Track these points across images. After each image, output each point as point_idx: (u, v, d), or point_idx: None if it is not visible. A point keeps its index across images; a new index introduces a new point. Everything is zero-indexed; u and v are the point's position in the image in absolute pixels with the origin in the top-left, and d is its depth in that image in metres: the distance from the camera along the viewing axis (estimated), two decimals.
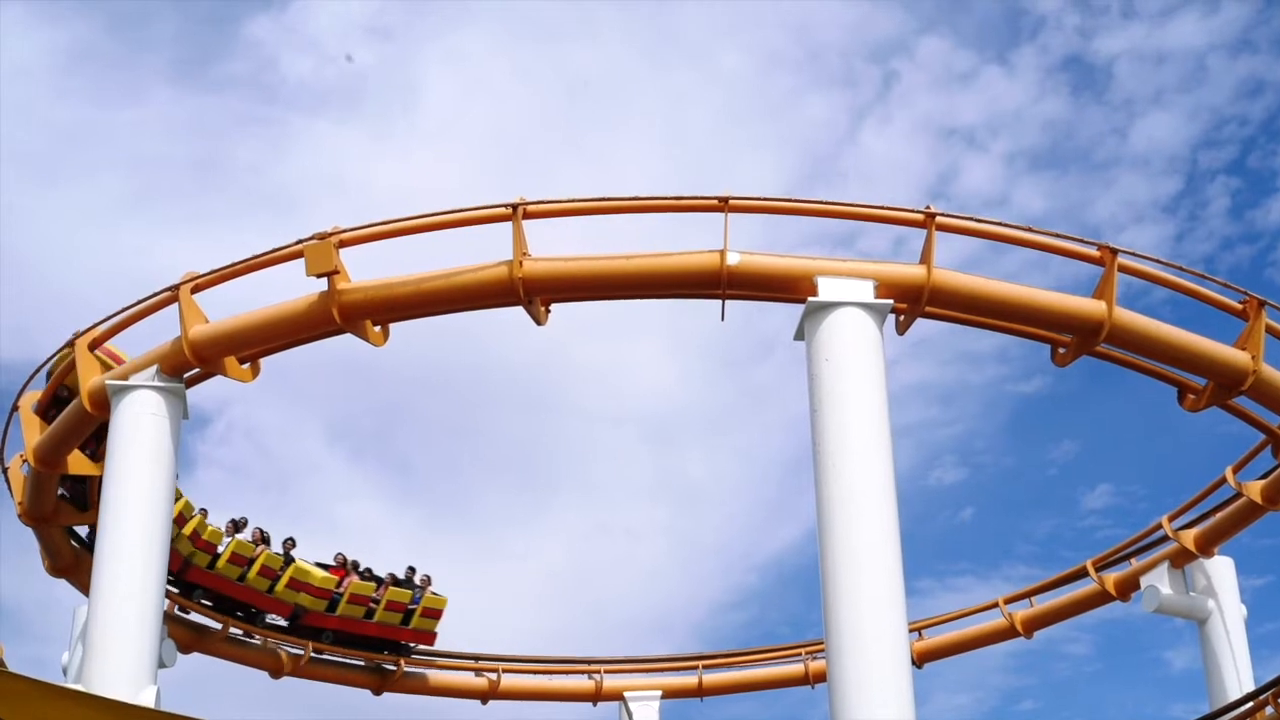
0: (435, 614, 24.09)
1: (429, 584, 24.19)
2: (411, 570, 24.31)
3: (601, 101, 53.13)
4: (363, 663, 24.66)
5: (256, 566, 22.14)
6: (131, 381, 17.01)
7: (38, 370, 19.04)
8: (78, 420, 17.88)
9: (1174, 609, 21.98)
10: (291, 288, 16.75)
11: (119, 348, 18.23)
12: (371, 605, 23.60)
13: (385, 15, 54.29)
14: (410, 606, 23.84)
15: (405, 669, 24.86)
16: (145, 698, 15.47)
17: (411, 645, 24.50)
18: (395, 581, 23.91)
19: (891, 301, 15.91)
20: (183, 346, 16.77)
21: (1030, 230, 16.88)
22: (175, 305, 17.05)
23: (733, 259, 15.91)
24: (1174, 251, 49.31)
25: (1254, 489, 20.35)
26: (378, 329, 16.82)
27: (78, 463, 18.85)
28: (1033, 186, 53.31)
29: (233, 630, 23.05)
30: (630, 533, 52.90)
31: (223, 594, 22.10)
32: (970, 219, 16.84)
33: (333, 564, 23.54)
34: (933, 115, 54.48)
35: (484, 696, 25.75)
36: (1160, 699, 49.97)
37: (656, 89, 53.78)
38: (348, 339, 16.88)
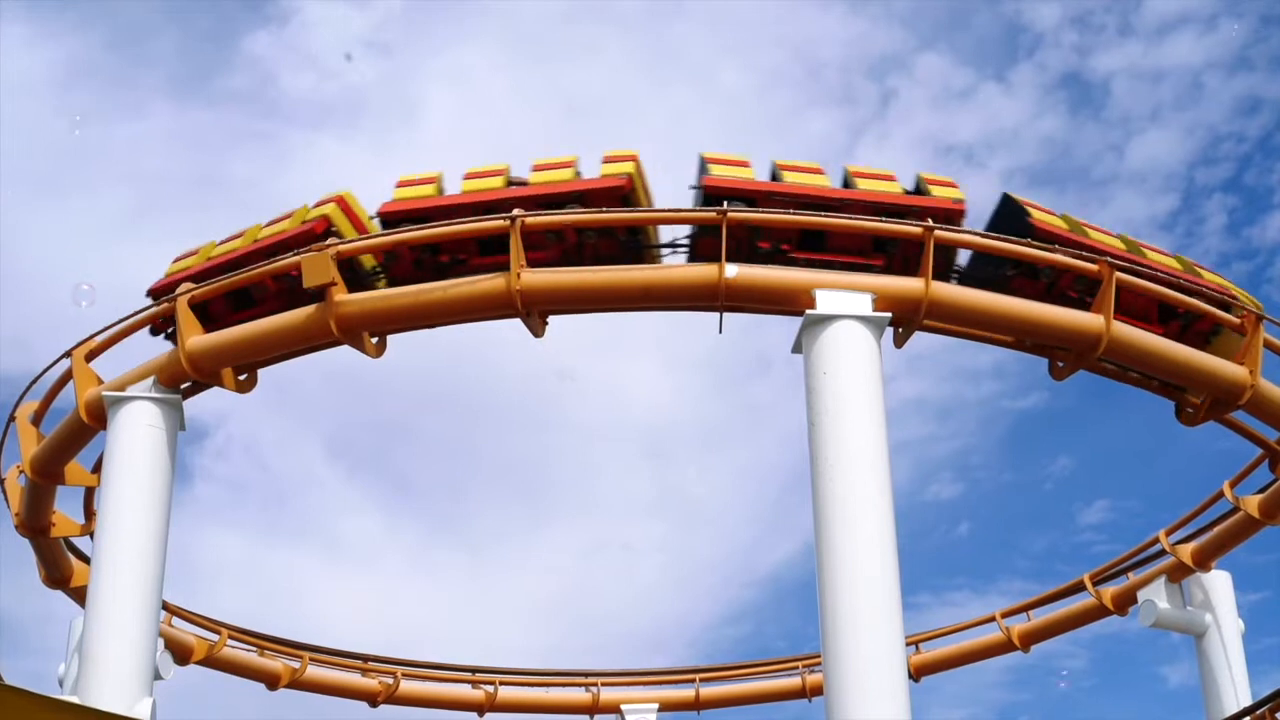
0: None
1: None
2: None
3: (601, 118, 53.17)
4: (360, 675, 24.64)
5: None
6: (128, 393, 16.93)
7: (34, 381, 19.03)
8: (74, 431, 17.86)
9: (1171, 623, 21.93)
10: None
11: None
12: None
13: (385, 31, 54.38)
14: None
15: (403, 680, 24.86)
16: (141, 710, 15.42)
17: None
18: None
19: (890, 314, 15.89)
20: (180, 357, 16.75)
21: (1028, 244, 16.89)
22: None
23: (731, 271, 15.90)
24: None
25: (1251, 503, 20.32)
26: (375, 341, 16.79)
27: (74, 474, 18.82)
28: None
29: (230, 642, 23.03)
30: (628, 547, 52.89)
31: None
32: (968, 233, 16.87)
33: None
34: (931, 132, 54.58)
35: (481, 709, 25.73)
36: (1158, 714, 49.86)
37: (656, 106, 53.80)
38: (346, 353, 16.87)
